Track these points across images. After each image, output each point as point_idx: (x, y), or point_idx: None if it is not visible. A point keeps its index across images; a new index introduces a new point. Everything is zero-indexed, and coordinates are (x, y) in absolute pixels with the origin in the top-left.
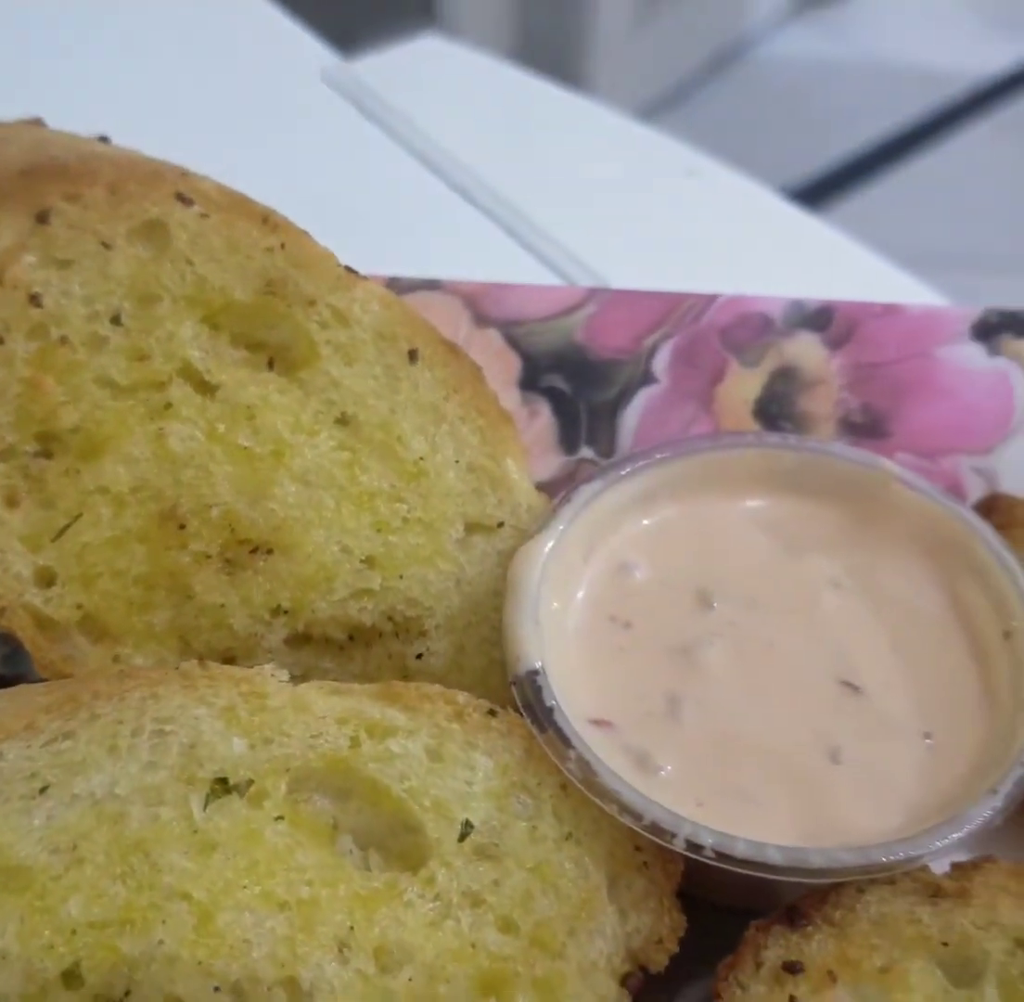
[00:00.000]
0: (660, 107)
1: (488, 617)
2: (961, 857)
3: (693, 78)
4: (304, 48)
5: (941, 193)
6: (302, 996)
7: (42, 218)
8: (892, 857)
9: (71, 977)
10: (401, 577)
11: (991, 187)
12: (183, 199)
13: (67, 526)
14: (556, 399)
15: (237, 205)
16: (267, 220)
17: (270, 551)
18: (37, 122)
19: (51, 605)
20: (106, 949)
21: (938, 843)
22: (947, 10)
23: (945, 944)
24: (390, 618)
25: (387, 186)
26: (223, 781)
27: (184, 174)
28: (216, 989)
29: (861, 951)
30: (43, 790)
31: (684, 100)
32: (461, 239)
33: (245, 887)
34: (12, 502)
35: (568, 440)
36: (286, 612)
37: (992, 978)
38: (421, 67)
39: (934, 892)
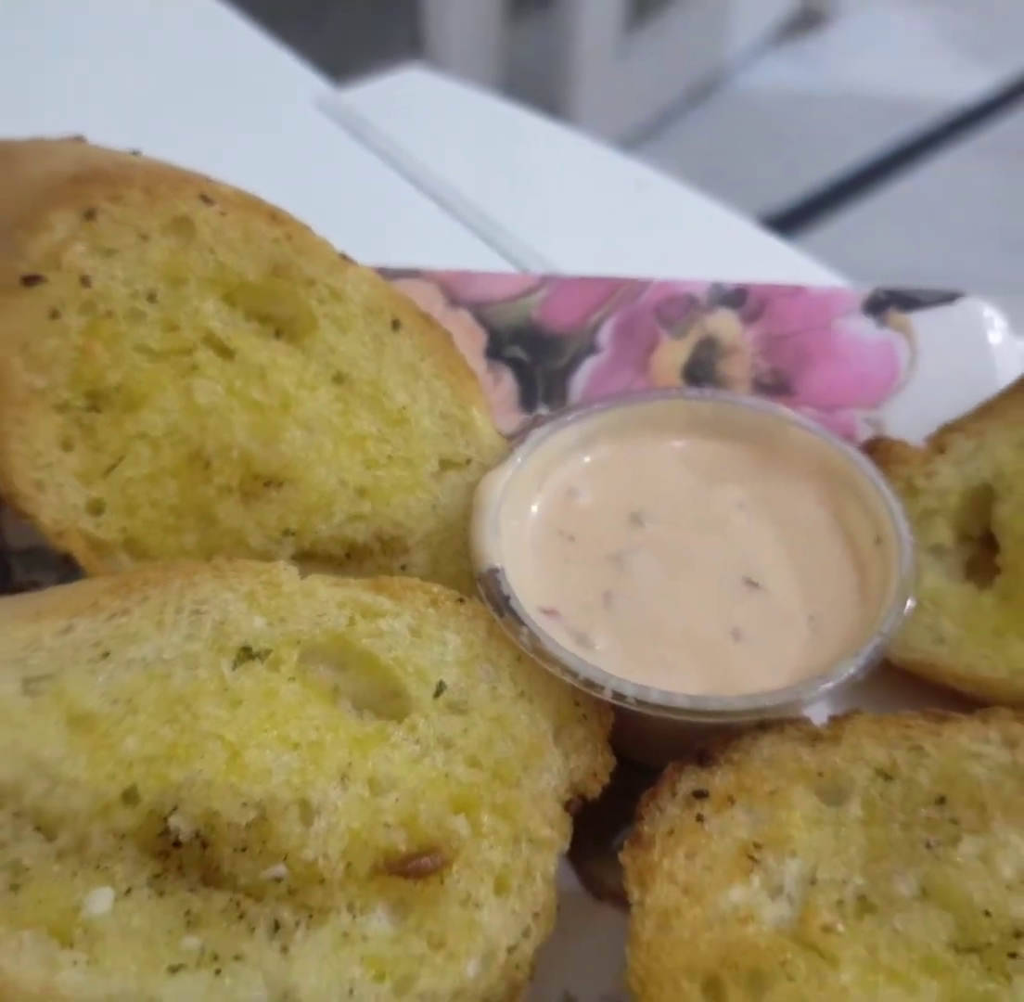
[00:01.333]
0: (642, 136)
1: (458, 535)
2: (836, 711)
3: (674, 108)
4: (299, 79)
5: (917, 217)
6: (311, 813)
7: (90, 215)
8: (775, 701)
9: (129, 797)
10: (388, 504)
11: (965, 210)
12: (206, 199)
13: (113, 466)
14: (517, 367)
15: (250, 204)
16: (275, 216)
17: (280, 484)
18: (79, 139)
19: (100, 529)
20: (157, 777)
21: (812, 692)
22: (921, 39)
23: (820, 775)
24: (379, 537)
25: (375, 199)
26: (247, 649)
27: (206, 180)
28: (244, 805)
29: (754, 781)
30: (105, 655)
31: (666, 129)
32: (438, 239)
33: (265, 731)
34: (68, 446)
35: (527, 401)
36: (293, 533)
37: (856, 798)
38: (405, 96)
39: (813, 738)
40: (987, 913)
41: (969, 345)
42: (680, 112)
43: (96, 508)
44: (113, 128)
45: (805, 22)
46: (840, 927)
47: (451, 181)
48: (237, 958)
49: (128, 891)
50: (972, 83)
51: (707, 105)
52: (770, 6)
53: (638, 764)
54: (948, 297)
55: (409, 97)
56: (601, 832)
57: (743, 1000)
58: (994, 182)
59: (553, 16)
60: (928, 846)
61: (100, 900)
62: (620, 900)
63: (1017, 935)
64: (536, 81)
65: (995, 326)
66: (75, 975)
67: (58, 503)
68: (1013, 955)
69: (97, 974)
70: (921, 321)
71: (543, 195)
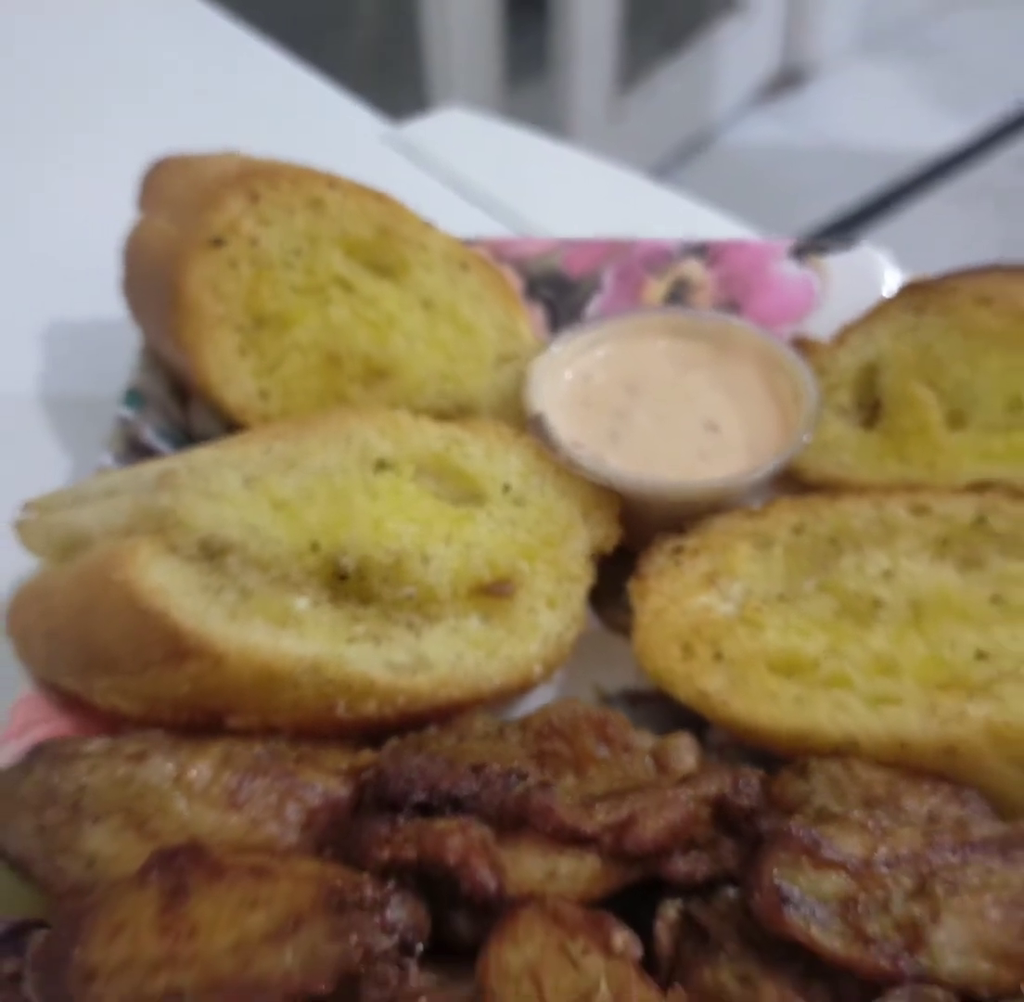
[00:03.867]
0: None
1: (512, 405)
2: (767, 493)
3: (665, 165)
4: (364, 119)
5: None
6: (428, 558)
7: (254, 198)
8: (723, 484)
9: (314, 548)
10: (462, 385)
11: (941, 253)
12: (333, 186)
13: (275, 366)
14: (546, 303)
15: (363, 189)
16: (380, 197)
17: (389, 375)
18: (234, 152)
19: (268, 408)
20: (330, 537)
21: (751, 477)
22: (896, 94)
23: (755, 533)
24: (458, 407)
25: (432, 209)
26: (382, 462)
27: (331, 174)
28: (386, 553)
29: (713, 540)
30: (292, 465)
31: (659, 184)
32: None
33: (396, 512)
34: (243, 354)
35: (554, 327)
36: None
37: (779, 545)
38: (451, 130)
39: (751, 514)
40: (858, 595)
41: (864, 278)
42: (671, 168)
43: (264, 395)
44: None
45: (786, 81)
46: (765, 608)
47: (491, 193)
48: (388, 638)
49: (316, 603)
50: (945, 134)
51: (696, 161)
52: (753, 67)
53: (637, 554)
54: (849, 244)
55: (454, 130)
56: (612, 594)
57: (707, 653)
58: (967, 226)
59: (549, 81)
60: (820, 566)
61: (300, 603)
62: (626, 633)
63: (876, 604)
64: None
65: (883, 267)
66: (290, 641)
67: (238, 392)
68: (872, 614)
69: (304, 640)
70: (831, 262)
71: (563, 201)
